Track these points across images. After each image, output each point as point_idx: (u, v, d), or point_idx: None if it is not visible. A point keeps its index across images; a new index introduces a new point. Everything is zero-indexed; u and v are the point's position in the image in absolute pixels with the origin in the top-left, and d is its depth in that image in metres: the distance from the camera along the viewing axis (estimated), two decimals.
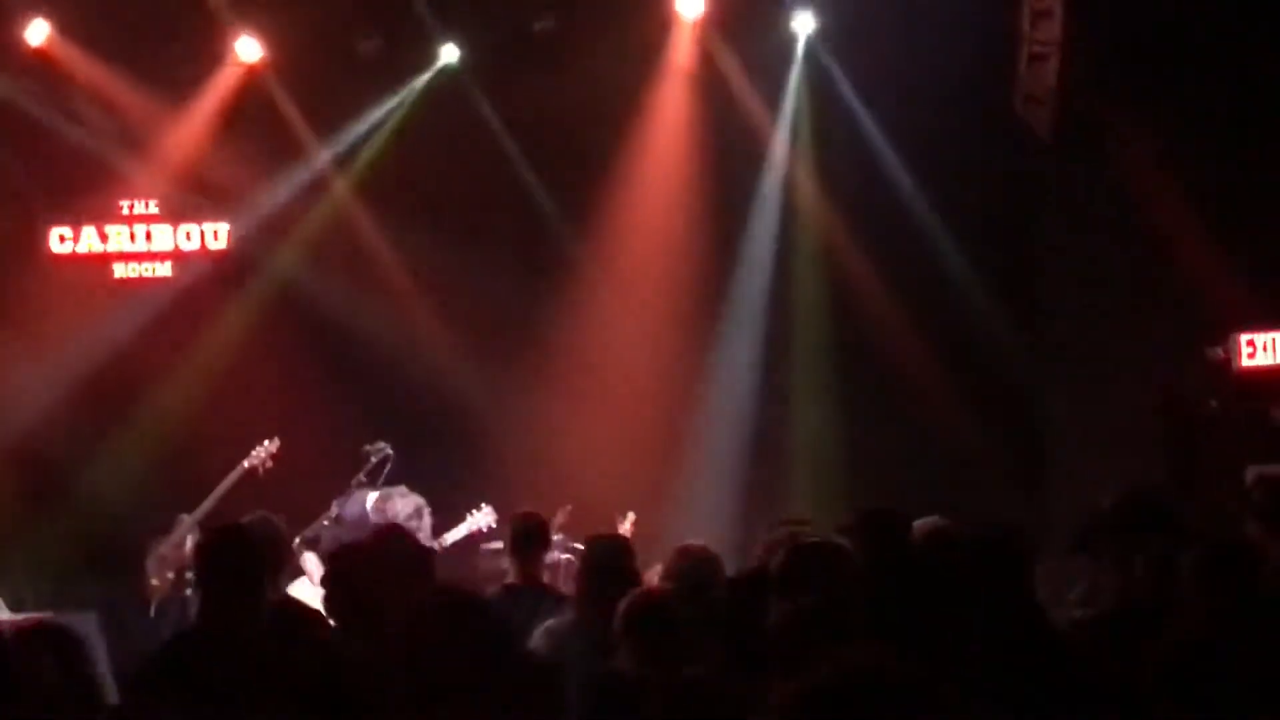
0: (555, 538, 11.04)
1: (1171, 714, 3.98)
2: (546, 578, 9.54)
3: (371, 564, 6.11)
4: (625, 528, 11.21)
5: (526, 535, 8.13)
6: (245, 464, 10.84)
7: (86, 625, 10.18)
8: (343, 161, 13.04)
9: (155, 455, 12.01)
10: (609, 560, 7.44)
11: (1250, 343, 12.23)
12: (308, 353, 12.73)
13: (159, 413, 12.26)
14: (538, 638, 7.13)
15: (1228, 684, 3.87)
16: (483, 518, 10.88)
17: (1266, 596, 5.60)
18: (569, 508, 11.51)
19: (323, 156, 12.95)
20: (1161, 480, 11.35)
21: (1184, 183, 12.18)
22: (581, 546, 10.51)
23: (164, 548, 10.59)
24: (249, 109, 12.78)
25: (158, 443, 12.04)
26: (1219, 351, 12.23)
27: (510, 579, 8.07)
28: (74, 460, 12.19)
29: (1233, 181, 12.18)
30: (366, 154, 13.04)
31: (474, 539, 11.00)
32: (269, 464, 10.91)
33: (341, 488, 10.94)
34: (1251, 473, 9.90)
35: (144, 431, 12.24)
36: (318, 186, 13.01)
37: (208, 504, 10.62)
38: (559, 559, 10.88)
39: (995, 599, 5.55)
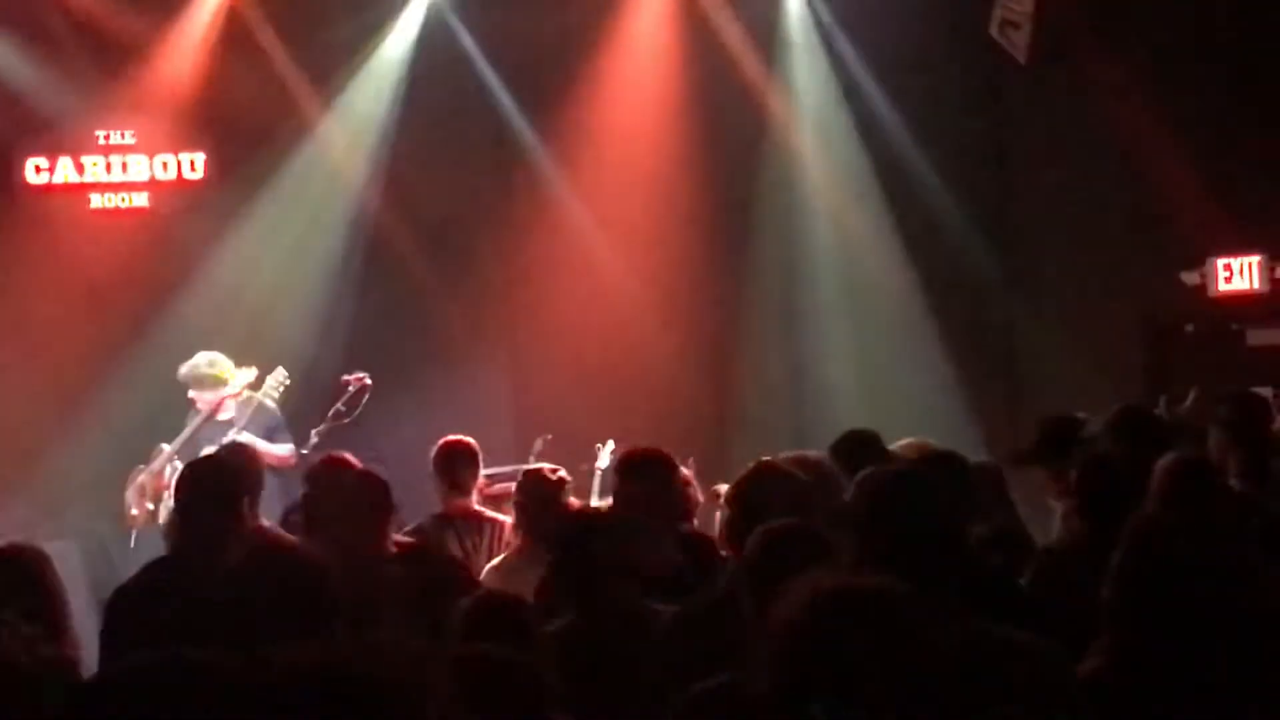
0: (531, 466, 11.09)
1: (1127, 627, 4.05)
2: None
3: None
4: (604, 456, 11.24)
5: (450, 461, 8.07)
6: (224, 392, 10.82)
7: (66, 552, 10.30)
8: (323, 90, 12.97)
9: (137, 386, 11.97)
10: (540, 493, 7.46)
11: (1227, 267, 12.26)
12: (285, 281, 12.74)
13: (140, 346, 12.23)
14: (487, 575, 7.19)
15: (1182, 590, 3.94)
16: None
17: (1223, 508, 5.75)
18: (548, 436, 11.53)
19: (302, 84, 12.88)
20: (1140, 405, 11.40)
21: (1161, 107, 12.17)
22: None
23: (143, 476, 10.60)
24: (228, 38, 12.71)
25: (142, 374, 12.01)
26: (1195, 276, 12.27)
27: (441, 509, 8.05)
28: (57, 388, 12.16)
29: (1210, 105, 12.17)
30: (346, 83, 13.00)
31: None
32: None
33: (320, 417, 10.96)
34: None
35: (126, 362, 12.22)
36: (296, 116, 12.95)
37: (186, 433, 10.62)
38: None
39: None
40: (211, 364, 10.75)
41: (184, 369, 10.78)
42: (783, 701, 3.28)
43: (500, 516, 8.03)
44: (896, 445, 7.48)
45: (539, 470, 7.75)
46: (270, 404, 10.75)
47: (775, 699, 3.30)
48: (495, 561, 7.48)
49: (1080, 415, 7.68)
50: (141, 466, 10.72)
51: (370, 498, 6.65)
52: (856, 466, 6.59)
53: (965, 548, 4.92)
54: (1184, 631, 3.91)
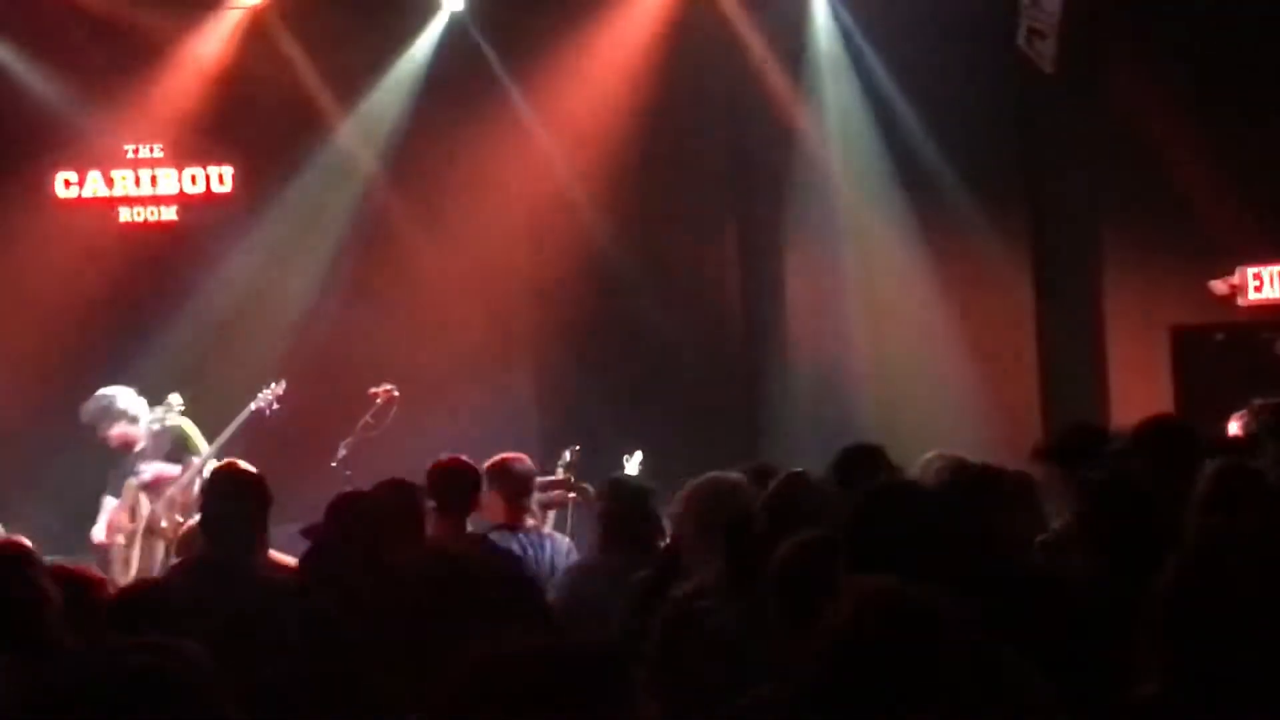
0: (561, 477, 11.10)
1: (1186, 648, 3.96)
2: (552, 517, 9.62)
3: (372, 512, 6.14)
4: (633, 466, 11.23)
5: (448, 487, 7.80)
6: (252, 406, 10.85)
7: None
8: (345, 100, 13.01)
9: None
10: (631, 501, 7.48)
11: (1257, 276, 12.24)
12: (314, 295, 12.77)
13: (167, 357, 12.26)
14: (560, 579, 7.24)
15: (1227, 596, 3.86)
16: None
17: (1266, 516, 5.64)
18: (576, 448, 11.53)
19: (326, 94, 12.92)
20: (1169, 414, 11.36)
21: (1189, 115, 12.14)
22: (588, 486, 10.59)
23: (172, 489, 10.63)
24: (251, 51, 12.75)
25: (168, 388, 12.03)
26: (1225, 285, 12.23)
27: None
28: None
29: (1238, 114, 12.13)
30: (369, 92, 13.04)
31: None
32: (275, 406, 10.93)
33: (349, 430, 10.99)
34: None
35: (152, 376, 12.24)
36: (320, 129, 12.98)
37: (215, 446, 10.65)
38: (567, 498, 10.92)
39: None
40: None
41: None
42: (829, 707, 3.28)
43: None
44: (925, 457, 7.48)
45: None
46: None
47: (822, 704, 3.30)
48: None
49: (1109, 431, 7.64)
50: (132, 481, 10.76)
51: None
52: (856, 482, 6.63)
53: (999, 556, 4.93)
54: (1249, 651, 3.77)
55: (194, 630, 5.21)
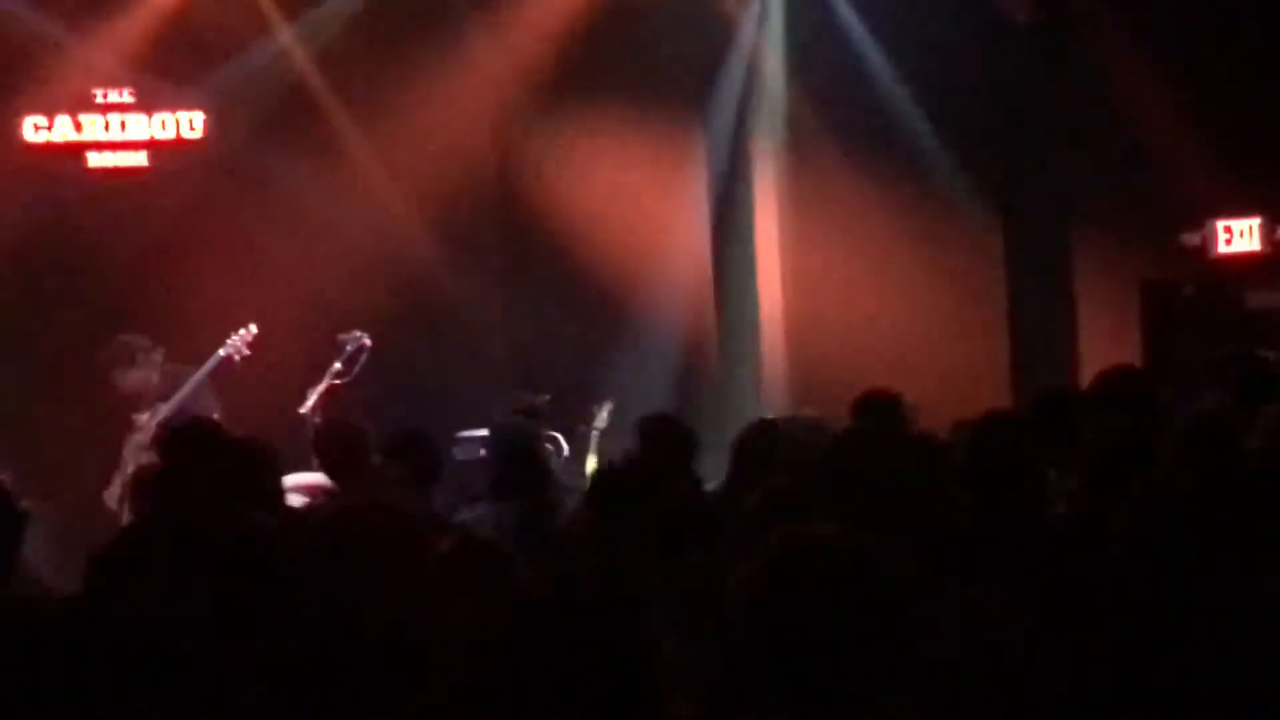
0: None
1: (1150, 587, 3.97)
2: None
3: None
4: (602, 417, 11.26)
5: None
6: (221, 352, 10.82)
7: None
8: (308, 38, 12.92)
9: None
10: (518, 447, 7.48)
11: (1227, 229, 12.25)
12: (283, 240, 12.72)
13: (137, 302, 12.21)
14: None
15: (1209, 549, 3.87)
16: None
17: (1245, 466, 5.66)
18: (546, 397, 11.54)
19: (286, 33, 12.82)
20: (1139, 366, 11.38)
21: (1161, 68, 12.14)
22: (558, 435, 10.62)
23: (141, 435, 10.60)
24: None
25: (137, 333, 11.98)
26: (1196, 238, 12.25)
27: None
28: (54, 349, 12.14)
29: (1210, 66, 12.13)
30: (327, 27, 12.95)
31: None
32: (245, 352, 10.90)
33: (318, 377, 10.97)
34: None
35: (122, 322, 12.19)
36: (285, 66, 12.90)
37: (184, 390, 10.62)
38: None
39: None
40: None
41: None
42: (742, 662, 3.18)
43: None
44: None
45: None
46: None
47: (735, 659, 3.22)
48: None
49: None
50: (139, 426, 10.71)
51: None
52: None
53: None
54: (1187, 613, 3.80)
55: None
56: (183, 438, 6.89)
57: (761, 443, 6.09)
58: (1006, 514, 5.10)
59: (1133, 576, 4.09)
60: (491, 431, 7.79)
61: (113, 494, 10.59)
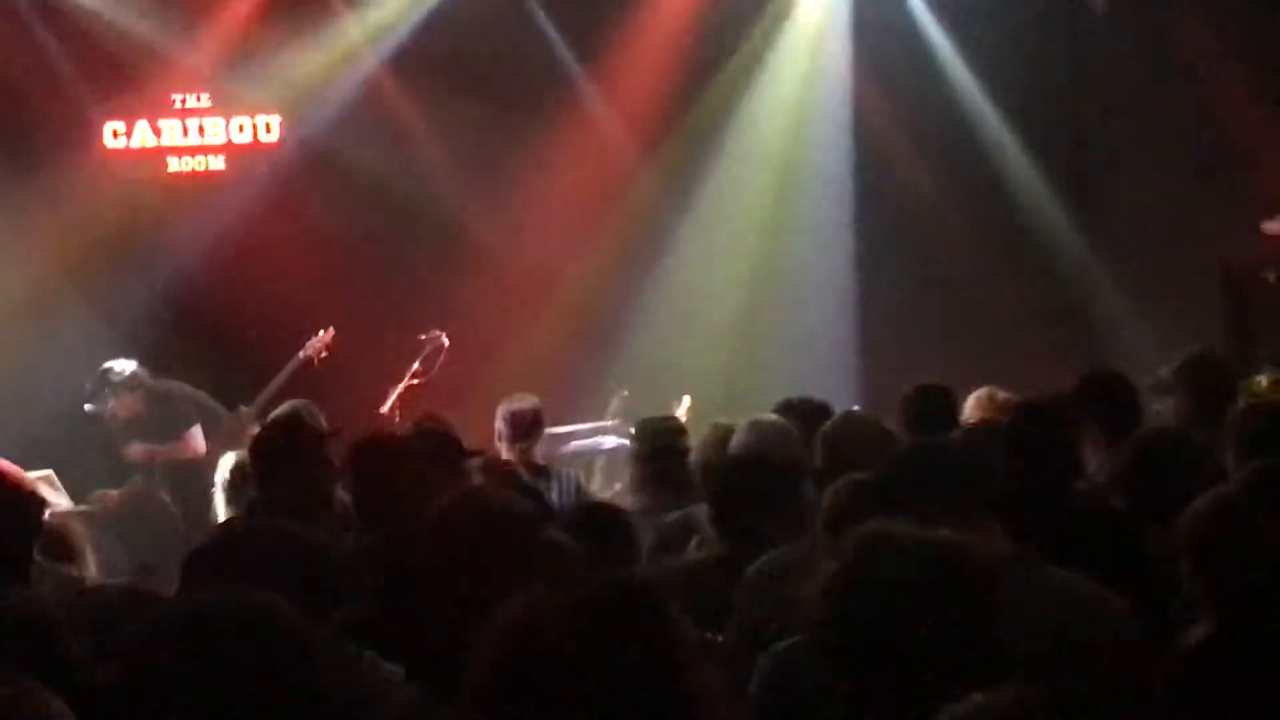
0: (613, 423, 11.15)
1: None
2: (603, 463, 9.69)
3: (402, 455, 6.11)
4: (681, 412, 11.24)
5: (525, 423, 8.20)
6: (301, 354, 10.90)
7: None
8: (376, 36, 12.95)
9: (215, 349, 12.04)
10: (662, 442, 7.53)
11: None
12: (364, 240, 12.79)
13: (219, 306, 12.30)
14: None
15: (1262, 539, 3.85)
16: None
17: None
18: (625, 392, 11.56)
19: (357, 30, 12.87)
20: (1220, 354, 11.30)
21: (1240, 51, 12.04)
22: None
23: (225, 440, 10.65)
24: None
25: (216, 337, 12.09)
26: (1277, 224, 12.14)
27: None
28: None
29: None
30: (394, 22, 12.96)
31: None
32: (324, 354, 10.96)
33: (398, 377, 11.00)
34: None
35: (204, 325, 12.30)
36: (357, 64, 12.96)
37: (265, 395, 10.68)
38: (616, 445, 10.95)
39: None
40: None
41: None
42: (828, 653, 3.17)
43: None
44: (974, 395, 7.55)
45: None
46: None
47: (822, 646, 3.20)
48: None
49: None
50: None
51: None
52: (922, 422, 6.67)
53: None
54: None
55: None
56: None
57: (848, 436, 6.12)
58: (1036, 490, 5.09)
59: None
60: (639, 425, 7.90)
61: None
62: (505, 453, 8.24)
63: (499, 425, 8.35)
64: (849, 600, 3.10)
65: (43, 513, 5.22)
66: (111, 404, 10.62)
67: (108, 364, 10.69)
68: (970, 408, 7.68)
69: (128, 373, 10.61)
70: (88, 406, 10.67)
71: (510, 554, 3.75)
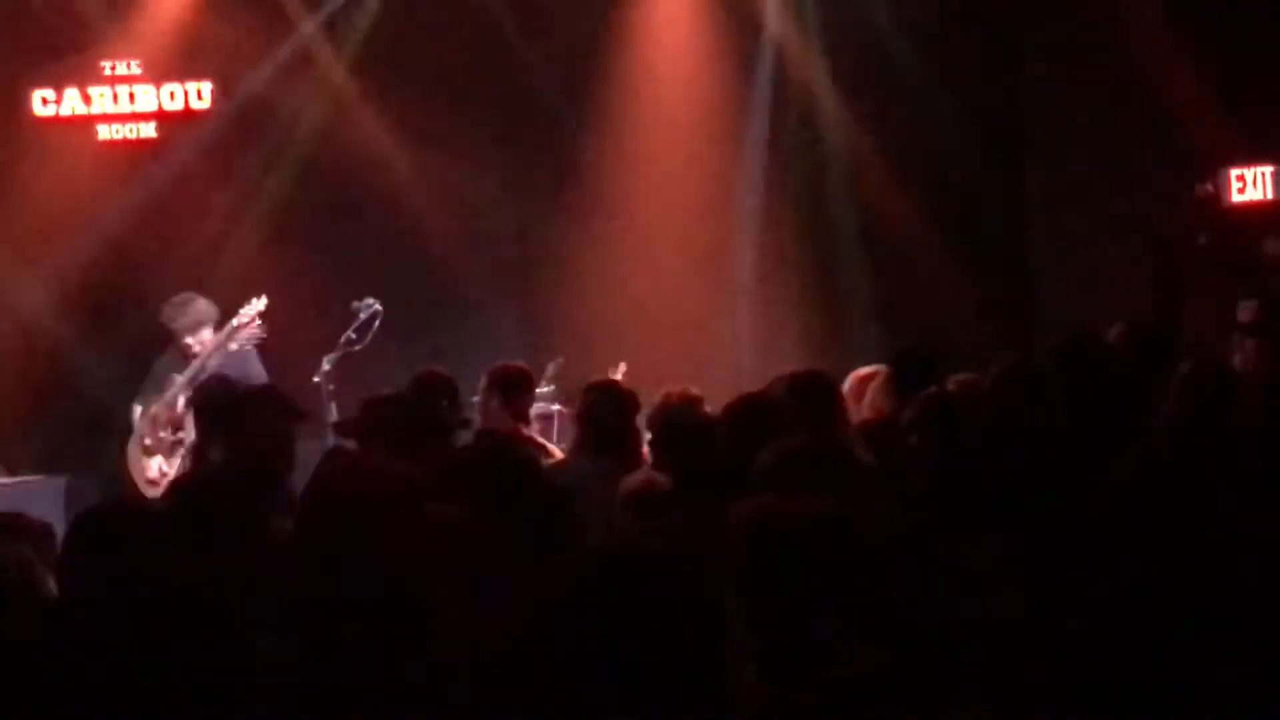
0: (546, 389, 11.12)
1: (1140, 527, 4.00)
2: (538, 429, 9.64)
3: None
4: (617, 377, 11.23)
5: (507, 384, 8.21)
6: (233, 323, 10.80)
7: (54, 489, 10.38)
8: (330, 28, 12.89)
9: (146, 319, 11.96)
10: (605, 411, 7.51)
11: (1240, 178, 12.23)
12: (297, 208, 12.73)
13: (150, 275, 12.23)
14: None
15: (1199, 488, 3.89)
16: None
17: (1242, 413, 5.68)
18: (561, 360, 11.55)
19: (308, 23, 12.80)
20: (1151, 317, 11.38)
21: (1172, 17, 12.09)
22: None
23: (156, 407, 10.59)
24: None
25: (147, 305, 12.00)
26: (1208, 187, 12.22)
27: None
28: (67, 324, 12.18)
29: (1221, 15, 12.07)
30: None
31: None
32: (256, 322, 10.87)
33: (331, 345, 10.96)
34: (1243, 308, 9.96)
35: (133, 295, 12.22)
36: (303, 51, 12.89)
37: (198, 363, 10.60)
38: (552, 411, 10.94)
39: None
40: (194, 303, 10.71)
41: (179, 312, 10.68)
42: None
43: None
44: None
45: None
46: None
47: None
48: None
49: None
50: (153, 398, 10.70)
51: None
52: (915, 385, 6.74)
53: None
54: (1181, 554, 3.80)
55: None
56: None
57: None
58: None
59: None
60: (588, 387, 7.89)
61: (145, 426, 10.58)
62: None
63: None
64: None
65: None
66: None
67: None
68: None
69: None
70: None
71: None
